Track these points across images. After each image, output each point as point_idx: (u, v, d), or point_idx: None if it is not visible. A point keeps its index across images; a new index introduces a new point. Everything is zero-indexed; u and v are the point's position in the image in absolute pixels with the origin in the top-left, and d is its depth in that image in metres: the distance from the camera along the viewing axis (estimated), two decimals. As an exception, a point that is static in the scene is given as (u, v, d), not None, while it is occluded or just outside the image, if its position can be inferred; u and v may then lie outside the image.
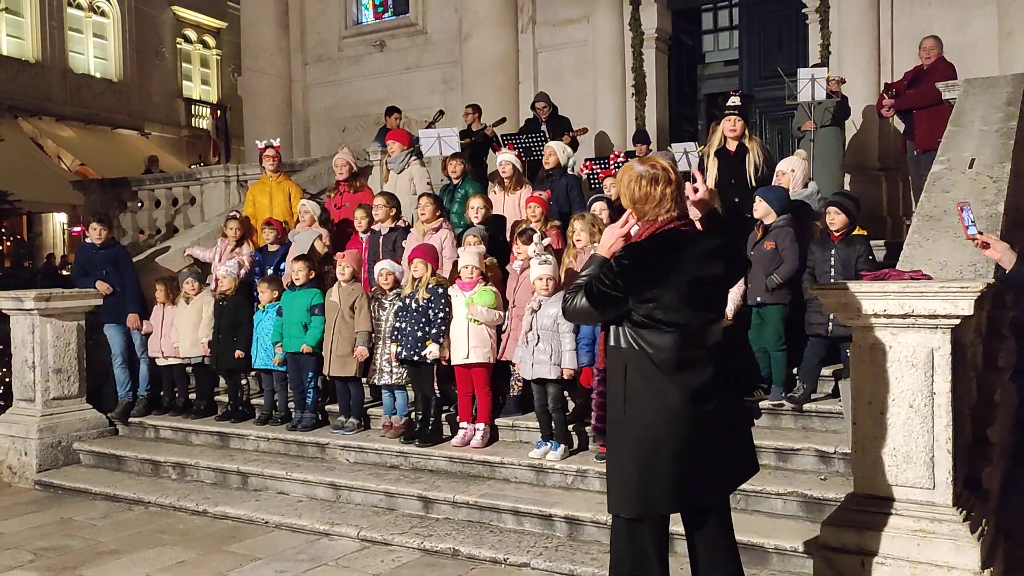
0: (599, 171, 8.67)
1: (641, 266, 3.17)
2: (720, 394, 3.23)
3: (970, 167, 5.55)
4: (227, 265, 7.53)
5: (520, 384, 6.35)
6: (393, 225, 7.43)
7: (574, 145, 9.50)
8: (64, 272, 14.10)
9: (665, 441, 3.16)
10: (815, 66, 9.36)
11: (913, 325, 3.86)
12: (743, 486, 4.90)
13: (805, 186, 6.77)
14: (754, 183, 6.58)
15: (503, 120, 10.81)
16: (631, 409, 3.22)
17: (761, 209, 6.08)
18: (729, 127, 6.82)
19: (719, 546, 3.39)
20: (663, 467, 3.17)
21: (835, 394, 5.81)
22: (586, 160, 9.43)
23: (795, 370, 5.90)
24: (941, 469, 3.85)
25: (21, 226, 19.68)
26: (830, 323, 5.54)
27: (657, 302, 3.16)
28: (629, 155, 9.56)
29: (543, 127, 10.02)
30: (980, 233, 3.92)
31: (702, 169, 7.09)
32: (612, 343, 3.30)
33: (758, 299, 5.89)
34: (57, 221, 21.52)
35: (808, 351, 5.83)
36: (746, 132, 6.87)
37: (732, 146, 6.83)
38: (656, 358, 3.17)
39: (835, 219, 5.83)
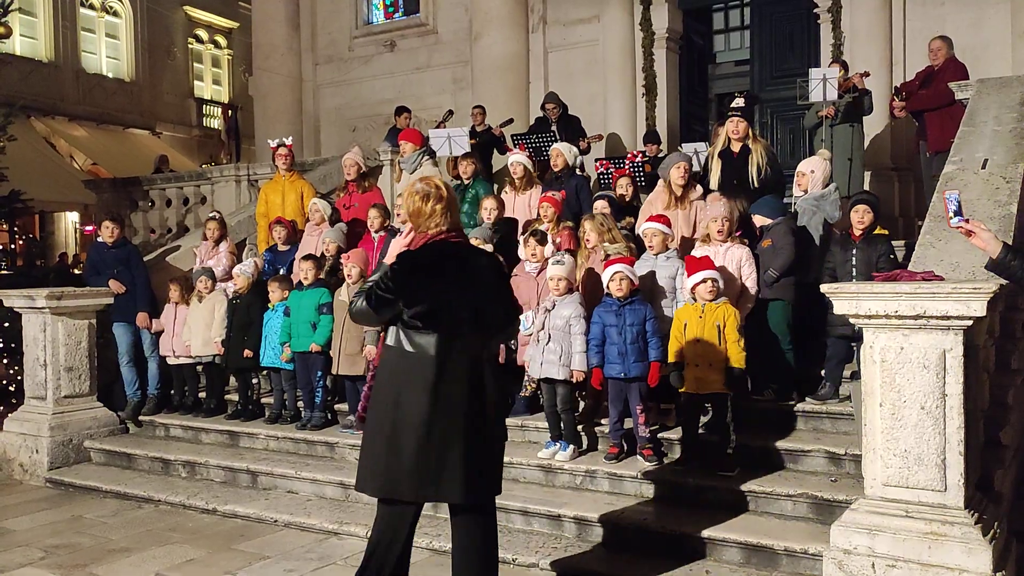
0: (613, 170, 8.66)
1: (409, 273, 3.48)
2: (472, 404, 3.48)
3: (983, 167, 5.52)
4: (243, 265, 7.57)
5: (532, 385, 6.35)
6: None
7: (587, 152, 9.49)
8: (76, 271, 14.18)
9: (409, 434, 3.45)
10: (832, 64, 9.29)
11: (925, 326, 3.83)
12: (753, 487, 4.96)
13: (824, 187, 6.73)
14: (757, 184, 6.57)
15: (511, 121, 10.81)
16: (389, 400, 3.53)
17: (758, 221, 6.15)
18: (732, 128, 6.81)
19: (474, 546, 3.64)
20: (404, 457, 3.46)
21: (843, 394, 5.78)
22: (599, 159, 9.42)
23: (823, 372, 5.91)
24: (953, 471, 3.83)
25: (33, 225, 19.82)
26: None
27: (423, 305, 3.47)
28: (640, 154, 9.55)
29: (553, 127, 10.01)
30: (966, 221, 3.88)
31: (706, 169, 7.09)
32: (387, 341, 3.59)
33: (760, 296, 5.90)
34: (69, 220, 21.64)
35: (830, 350, 5.82)
36: (750, 133, 6.86)
37: (736, 147, 6.82)
38: (418, 358, 3.47)
39: (865, 217, 5.77)
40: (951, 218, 3.88)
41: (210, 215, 8.48)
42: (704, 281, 5.32)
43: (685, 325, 5.36)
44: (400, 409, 3.49)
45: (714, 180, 6.84)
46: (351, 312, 3.67)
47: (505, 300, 3.77)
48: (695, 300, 5.39)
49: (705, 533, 4.69)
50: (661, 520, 4.88)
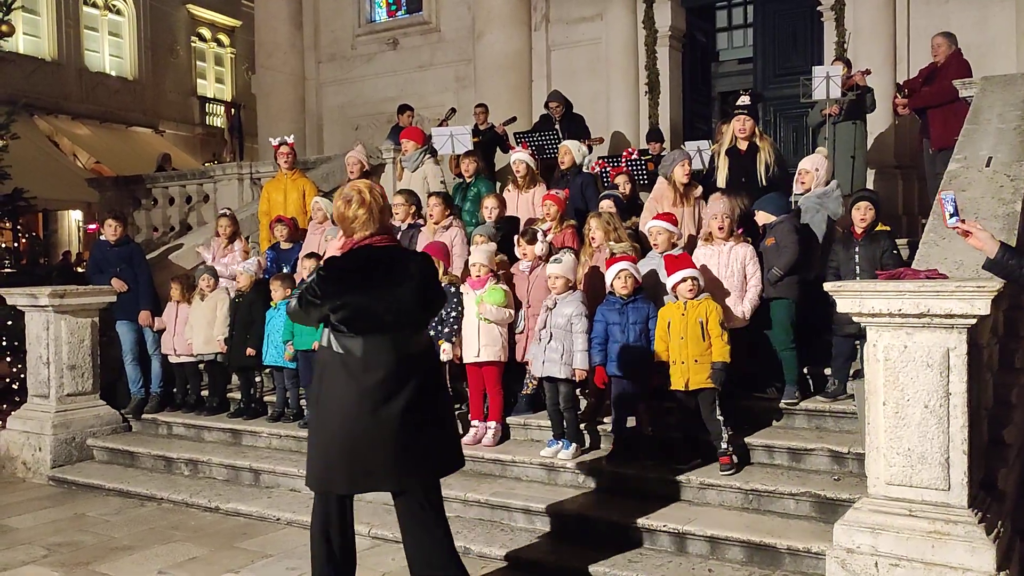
0: (610, 169, 8.66)
1: (333, 277, 3.60)
2: (400, 399, 3.58)
3: (987, 165, 5.50)
4: (246, 263, 7.56)
5: (534, 383, 6.35)
6: (412, 222, 7.43)
7: (589, 153, 9.47)
8: (79, 269, 14.18)
9: (340, 430, 3.59)
10: (836, 61, 9.26)
11: (929, 325, 3.82)
12: (756, 485, 4.95)
13: (826, 184, 6.72)
14: (764, 182, 6.56)
15: (513, 119, 10.80)
16: (322, 399, 3.68)
17: (762, 218, 6.12)
18: (739, 127, 6.80)
19: (425, 531, 3.76)
20: (336, 452, 3.61)
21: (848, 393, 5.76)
22: (599, 158, 9.41)
23: (828, 370, 5.91)
24: (956, 470, 3.82)
25: (37, 223, 19.83)
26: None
27: (347, 309, 3.58)
28: (643, 153, 9.55)
29: (556, 126, 10.00)
30: (962, 221, 3.88)
31: (713, 167, 7.06)
32: (322, 343, 3.72)
33: (763, 296, 5.88)
34: (72, 218, 21.65)
35: (836, 348, 5.82)
36: (756, 131, 6.84)
37: (743, 145, 6.81)
38: (345, 359, 3.59)
39: (867, 215, 5.75)
40: (948, 219, 3.88)
41: (221, 212, 8.46)
42: (684, 280, 5.33)
43: (669, 323, 5.38)
44: (331, 407, 3.63)
45: (721, 178, 6.82)
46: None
47: (431, 301, 3.87)
48: (676, 298, 5.39)
49: (709, 532, 4.68)
50: (664, 519, 4.87)
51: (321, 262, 3.73)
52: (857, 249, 5.72)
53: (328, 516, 3.77)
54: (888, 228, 5.92)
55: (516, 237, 6.46)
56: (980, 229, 3.92)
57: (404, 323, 3.67)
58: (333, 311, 3.60)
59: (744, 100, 6.96)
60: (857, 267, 5.67)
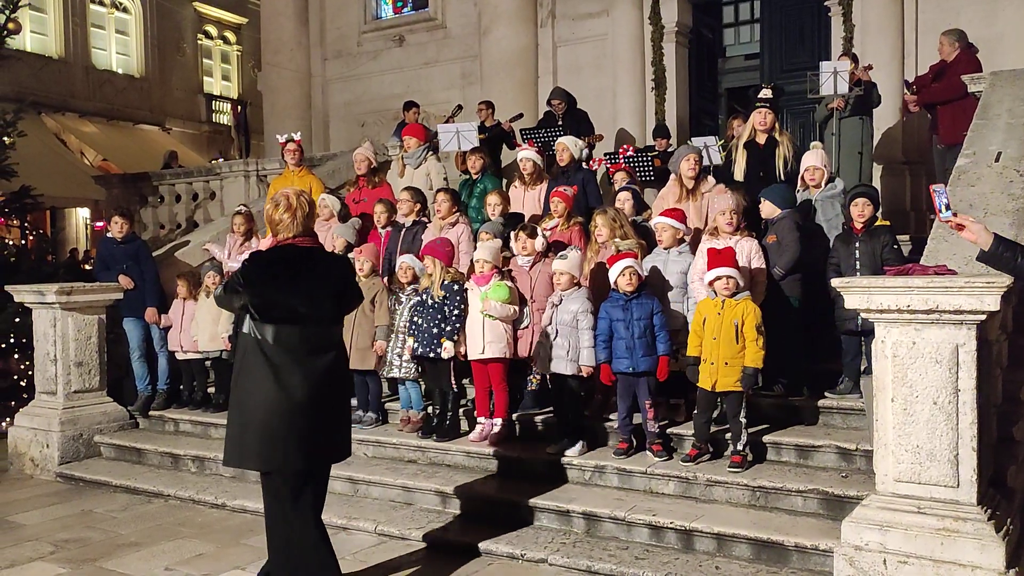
0: (609, 166, 8.64)
1: (256, 269, 3.98)
2: (309, 384, 3.92)
3: (996, 160, 5.46)
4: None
5: (537, 379, 6.34)
6: (416, 219, 7.43)
7: (591, 149, 9.45)
8: (87, 267, 14.21)
9: (255, 410, 3.92)
10: (842, 56, 9.23)
11: (938, 321, 3.80)
12: (764, 483, 4.94)
13: (831, 181, 6.68)
14: (783, 177, 6.52)
15: (520, 116, 10.78)
16: (240, 380, 4.02)
17: (767, 209, 6.06)
18: (759, 120, 6.76)
19: (306, 512, 4.06)
20: (251, 431, 3.93)
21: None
22: (603, 154, 9.39)
23: (842, 367, 5.86)
24: (965, 467, 3.80)
25: (44, 221, 19.87)
26: (859, 317, 5.49)
27: (264, 299, 3.95)
28: (648, 148, 9.52)
29: (560, 123, 9.97)
30: (954, 215, 3.87)
31: (731, 160, 7.03)
32: (243, 329, 4.06)
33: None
34: (80, 216, 21.71)
35: (844, 345, 5.80)
36: (776, 125, 6.81)
37: (761, 139, 6.77)
38: (263, 345, 3.95)
39: (865, 211, 5.71)
40: (941, 213, 3.87)
41: (236, 209, 8.43)
42: (719, 278, 5.26)
43: (704, 320, 5.30)
44: (248, 388, 3.97)
45: (739, 171, 6.79)
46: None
47: (345, 298, 4.21)
48: (716, 294, 5.33)
49: (716, 529, 4.67)
50: (671, 516, 4.85)
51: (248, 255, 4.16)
52: (857, 244, 5.70)
53: (272, 495, 4.06)
54: (888, 223, 5.90)
55: (514, 232, 6.44)
56: (973, 222, 3.90)
57: (316, 316, 4.02)
58: (252, 299, 3.97)
59: (766, 93, 6.91)
60: (857, 262, 5.64)
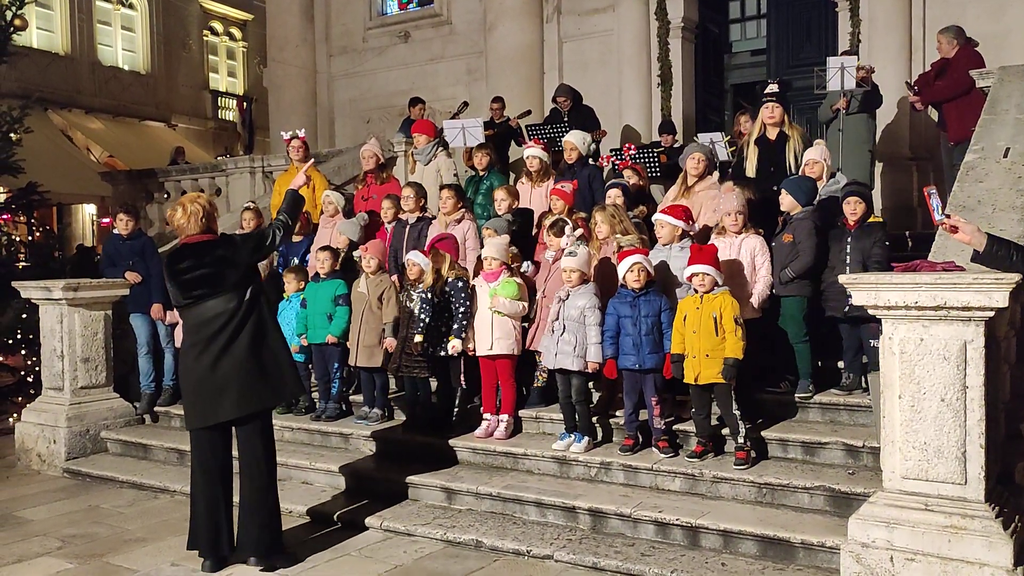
0: (617, 163, 8.62)
1: (167, 264, 4.84)
2: (228, 347, 4.64)
3: (1005, 156, 5.43)
4: None
5: (544, 375, 6.33)
6: (420, 215, 7.42)
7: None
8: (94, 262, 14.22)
9: (186, 377, 4.84)
10: (844, 54, 9.21)
11: (946, 317, 3.78)
12: (770, 479, 4.93)
13: (833, 176, 6.66)
14: (794, 171, 6.49)
15: (528, 112, 10.77)
16: (179, 355, 5.19)
17: (787, 202, 5.99)
18: (768, 114, 6.74)
19: (247, 457, 4.79)
20: (188, 396, 4.85)
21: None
22: (609, 150, 9.36)
23: (840, 363, 5.88)
24: (973, 464, 3.78)
25: (51, 217, 19.91)
26: (847, 306, 5.48)
27: (176, 286, 4.76)
28: (655, 144, 9.50)
29: (565, 119, 9.95)
30: (948, 217, 3.87)
31: (742, 157, 7.01)
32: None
33: (773, 290, 5.84)
34: (86, 212, 21.75)
35: (846, 342, 5.79)
36: (785, 119, 6.79)
37: (772, 134, 6.75)
38: (185, 323, 4.87)
39: (857, 208, 5.72)
40: (934, 214, 3.91)
41: (245, 205, 8.43)
42: (696, 275, 5.29)
43: (685, 317, 5.35)
44: (182, 360, 4.89)
45: (750, 167, 6.76)
46: None
47: (229, 277, 4.73)
48: (696, 291, 5.35)
49: (722, 526, 4.66)
50: (677, 513, 4.85)
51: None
52: (849, 240, 5.71)
53: (202, 450, 4.79)
54: (881, 220, 5.91)
55: (541, 231, 6.44)
56: (966, 223, 3.92)
57: (217, 292, 4.68)
58: (170, 287, 4.82)
59: (773, 88, 6.90)
60: (848, 258, 5.66)
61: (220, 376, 4.64)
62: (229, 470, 4.87)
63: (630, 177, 7.61)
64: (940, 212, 3.89)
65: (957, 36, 8.47)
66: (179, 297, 4.77)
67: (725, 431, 5.38)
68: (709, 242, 5.98)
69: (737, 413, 5.24)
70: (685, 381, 5.33)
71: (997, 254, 3.87)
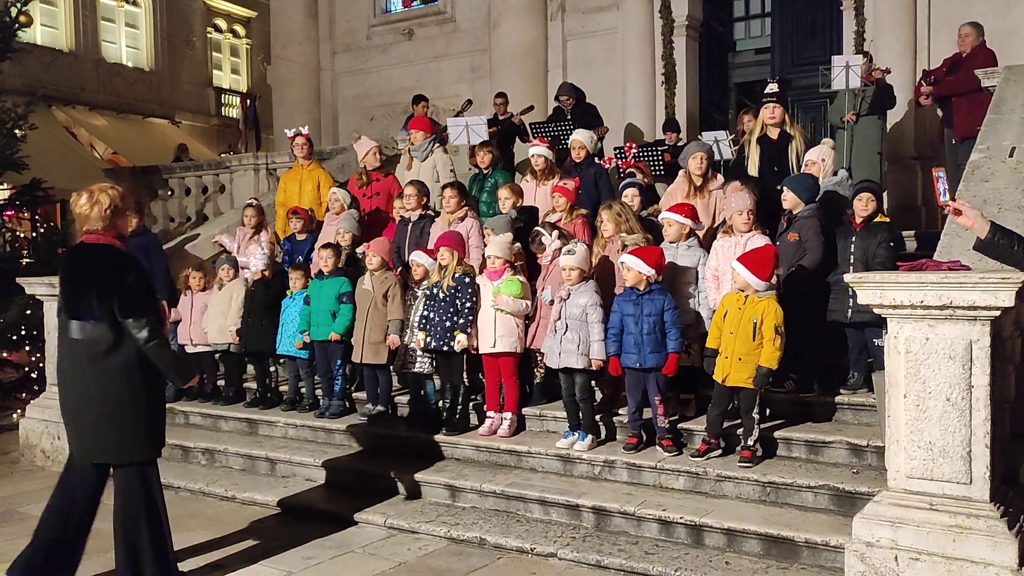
0: (620, 163, 8.63)
1: (62, 263, 4.27)
2: (85, 379, 4.04)
3: (1010, 155, 5.43)
4: (254, 259, 7.54)
5: (542, 371, 6.33)
6: (423, 213, 7.42)
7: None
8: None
9: (63, 405, 4.22)
10: (860, 54, 9.20)
11: (951, 317, 3.78)
12: (774, 478, 4.92)
13: (834, 174, 6.66)
14: (796, 171, 6.49)
15: (531, 108, 10.75)
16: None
17: (789, 200, 5.97)
18: (768, 114, 6.73)
19: (117, 500, 4.24)
20: (65, 425, 4.24)
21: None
22: (614, 149, 9.37)
23: (848, 362, 5.85)
24: (978, 464, 3.78)
25: (55, 213, 19.93)
26: (849, 310, 5.48)
27: (60, 294, 4.20)
28: (658, 143, 9.49)
29: (568, 117, 9.94)
30: (952, 200, 3.86)
31: (743, 155, 7.00)
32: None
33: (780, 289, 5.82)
34: (90, 209, 21.75)
35: (850, 340, 5.78)
36: (787, 119, 6.78)
37: (773, 133, 6.74)
38: (61, 337, 4.19)
39: (868, 205, 5.70)
40: (939, 196, 3.88)
41: (247, 203, 8.44)
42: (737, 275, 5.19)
43: (726, 313, 5.27)
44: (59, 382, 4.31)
45: (752, 167, 6.76)
46: None
47: (120, 293, 4.05)
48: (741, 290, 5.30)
49: (726, 524, 4.66)
50: (681, 511, 4.84)
51: None
52: (854, 239, 5.69)
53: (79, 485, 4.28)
54: (888, 220, 5.88)
55: (530, 238, 6.43)
56: (970, 207, 3.89)
57: (84, 316, 4.04)
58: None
59: (772, 88, 6.89)
60: (852, 256, 5.64)
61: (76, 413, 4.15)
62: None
63: (635, 175, 7.62)
64: (946, 195, 3.87)
65: (981, 33, 8.47)
66: (60, 302, 4.19)
67: (739, 431, 5.35)
68: (715, 240, 5.97)
69: (756, 417, 5.22)
70: (713, 377, 5.30)
71: (999, 243, 3.86)
